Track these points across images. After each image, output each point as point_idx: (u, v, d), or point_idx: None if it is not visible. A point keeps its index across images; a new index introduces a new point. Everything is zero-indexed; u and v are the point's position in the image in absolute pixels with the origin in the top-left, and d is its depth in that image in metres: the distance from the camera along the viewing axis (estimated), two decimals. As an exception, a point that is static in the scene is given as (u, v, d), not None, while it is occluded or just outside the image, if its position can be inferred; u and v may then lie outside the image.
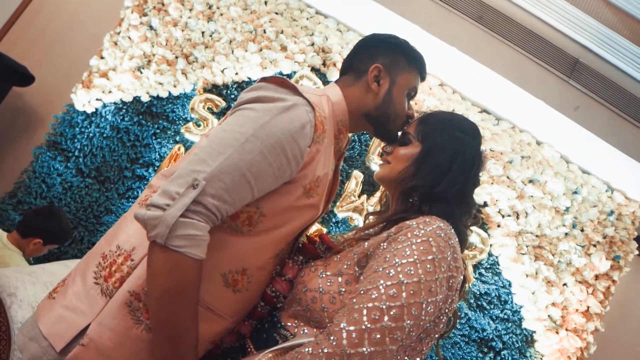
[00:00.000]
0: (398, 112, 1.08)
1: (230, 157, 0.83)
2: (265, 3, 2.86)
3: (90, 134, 2.72)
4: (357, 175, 2.76)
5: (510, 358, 2.80)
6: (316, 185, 0.96)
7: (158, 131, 2.77)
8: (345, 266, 0.92)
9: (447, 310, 0.90)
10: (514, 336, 2.83)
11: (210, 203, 0.81)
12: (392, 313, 0.78)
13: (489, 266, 2.86)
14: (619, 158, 2.69)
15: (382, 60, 1.06)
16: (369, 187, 2.78)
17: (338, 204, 2.73)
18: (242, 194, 0.85)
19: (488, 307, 2.83)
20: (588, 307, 2.85)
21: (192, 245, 0.80)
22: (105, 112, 2.74)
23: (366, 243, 0.92)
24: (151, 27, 2.77)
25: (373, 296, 0.80)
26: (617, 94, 2.66)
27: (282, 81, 0.93)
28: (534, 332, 2.84)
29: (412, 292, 0.80)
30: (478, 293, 2.83)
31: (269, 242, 0.95)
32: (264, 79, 0.95)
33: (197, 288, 0.84)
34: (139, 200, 0.99)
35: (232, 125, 0.88)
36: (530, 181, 2.88)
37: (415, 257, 0.83)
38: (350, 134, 1.12)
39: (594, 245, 2.92)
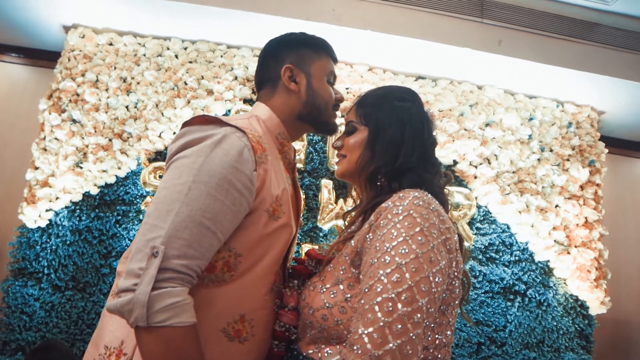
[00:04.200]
0: (326, 100, 1.08)
1: (179, 211, 0.79)
2: (177, 56, 2.83)
3: (53, 247, 2.59)
4: (327, 184, 2.73)
5: (536, 294, 2.81)
6: (278, 204, 0.93)
7: (119, 217, 2.67)
8: (341, 272, 0.88)
9: (456, 274, 0.88)
10: (531, 273, 2.84)
11: (177, 265, 0.77)
12: (403, 298, 0.75)
13: (482, 218, 2.88)
14: (556, 72, 2.78)
15: (290, 60, 1.06)
16: (342, 191, 2.76)
17: (319, 217, 2.69)
18: (207, 242, 0.81)
19: (497, 256, 2.84)
20: (586, 217, 2.91)
21: (177, 314, 0.75)
22: (60, 220, 2.62)
23: (352, 241, 0.90)
24: (74, 121, 2.69)
25: (378, 289, 0.76)
26: (530, 16, 2.75)
27: (205, 118, 0.90)
28: (548, 261, 2.87)
29: (414, 269, 0.77)
30: (483, 247, 2.84)
31: (257, 278, 0.91)
32: (185, 123, 0.92)
33: (200, 354, 0.78)
34: (111, 292, 0.93)
35: (170, 180, 0.84)
36: (487, 125, 2.94)
37: (404, 235, 0.80)
38: (300, 143, 1.10)
39: (567, 160, 2.99)
